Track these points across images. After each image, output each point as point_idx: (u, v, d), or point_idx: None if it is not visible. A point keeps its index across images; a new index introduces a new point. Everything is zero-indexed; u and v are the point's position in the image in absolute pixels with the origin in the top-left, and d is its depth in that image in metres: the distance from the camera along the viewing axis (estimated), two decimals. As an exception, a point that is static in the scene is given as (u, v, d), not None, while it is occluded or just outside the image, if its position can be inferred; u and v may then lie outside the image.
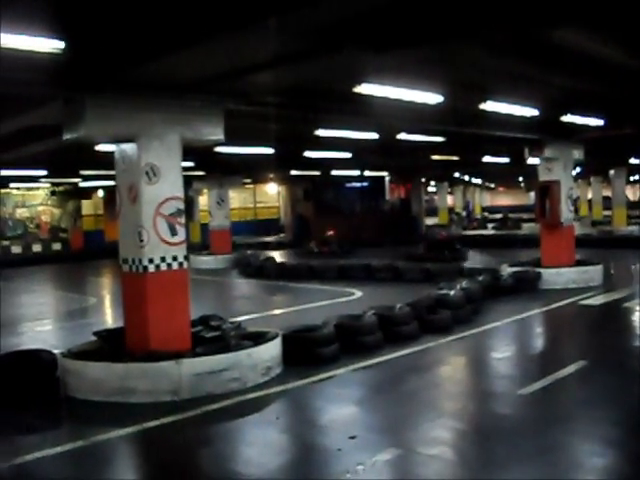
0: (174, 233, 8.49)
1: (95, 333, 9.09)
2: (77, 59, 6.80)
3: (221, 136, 9.01)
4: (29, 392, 7.89)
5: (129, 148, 8.41)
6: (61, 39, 6.02)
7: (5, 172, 20.76)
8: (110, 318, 15.25)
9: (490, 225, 41.45)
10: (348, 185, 37.46)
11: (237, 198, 37.39)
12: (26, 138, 12.16)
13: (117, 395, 7.80)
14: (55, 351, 8.64)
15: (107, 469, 6.31)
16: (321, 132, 14.11)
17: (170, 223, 8.46)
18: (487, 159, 24.99)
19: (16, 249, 32.96)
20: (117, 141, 8.53)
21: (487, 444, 6.33)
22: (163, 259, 8.42)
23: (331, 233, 27.82)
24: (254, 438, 6.78)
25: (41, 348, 8.87)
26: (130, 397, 7.76)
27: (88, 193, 33.41)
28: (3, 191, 31.48)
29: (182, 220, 8.61)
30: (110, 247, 27.52)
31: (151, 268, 8.35)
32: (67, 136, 8.41)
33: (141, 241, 8.30)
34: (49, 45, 6.05)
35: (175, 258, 8.51)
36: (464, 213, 50.24)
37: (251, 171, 26.48)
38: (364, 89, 8.69)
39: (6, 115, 9.68)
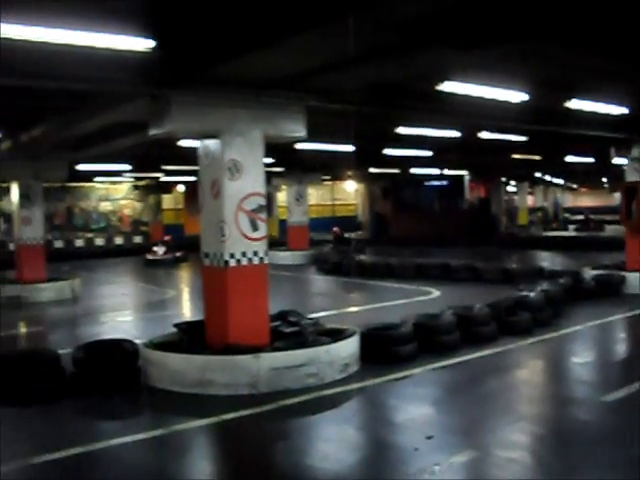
0: (255, 228, 8.60)
1: (176, 325, 9.26)
2: (165, 57, 6.95)
3: (303, 133, 9.08)
4: (112, 380, 8.11)
5: (212, 144, 8.54)
6: (152, 38, 6.15)
7: (92, 166, 21.34)
8: (188, 311, 15.54)
9: (571, 226, 40.53)
10: (427, 184, 37.18)
11: (315, 195, 37.55)
12: (113, 133, 12.46)
13: (196, 387, 7.92)
14: (137, 341, 8.84)
15: (186, 458, 6.43)
16: (402, 130, 14.05)
17: (252, 218, 8.56)
18: (570, 159, 24.46)
19: (99, 241, 33.94)
20: (201, 137, 8.68)
21: (568, 450, 6.18)
22: (244, 254, 8.52)
23: None
24: (330, 434, 6.81)
25: (124, 338, 9.10)
26: (209, 389, 7.88)
27: (169, 187, 34.08)
28: (88, 185, 32.43)
29: (263, 216, 8.70)
30: (189, 241, 28.15)
31: (232, 262, 8.46)
32: (153, 132, 8.58)
33: (223, 236, 8.42)
34: (141, 44, 6.21)
35: (256, 253, 8.62)
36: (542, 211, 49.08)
37: (330, 168, 26.53)
38: (447, 87, 8.62)
39: (95, 111, 9.95)
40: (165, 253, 26.61)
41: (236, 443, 6.85)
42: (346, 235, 30.19)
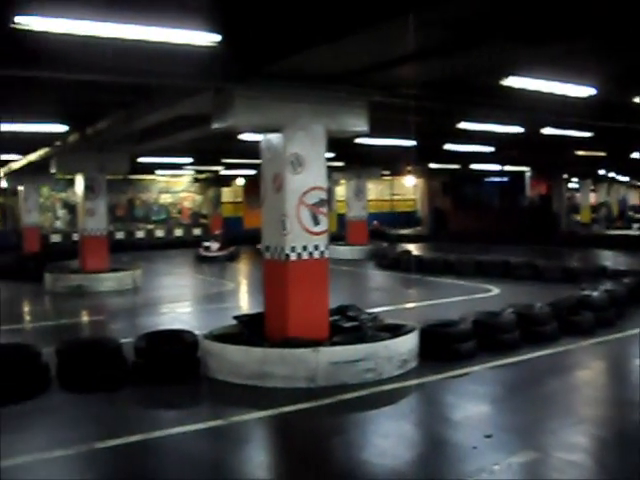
0: (317, 222, 8.62)
1: (236, 317, 9.34)
2: (230, 51, 6.99)
3: (365, 127, 9.06)
4: (172, 370, 8.23)
5: (275, 138, 8.58)
6: (218, 32, 6.21)
7: (153, 159, 21.66)
8: (246, 303, 15.67)
9: (636, 225, 39.57)
10: (487, 180, 36.78)
11: (374, 190, 37.45)
12: (175, 127, 12.62)
13: (255, 379, 7.99)
14: (196, 332, 8.93)
15: (243, 449, 6.49)
16: (464, 125, 13.90)
17: (313, 213, 8.59)
18: (637, 155, 23.89)
19: (159, 233, 34.45)
20: (263, 131, 8.73)
21: (631, 455, 6.02)
22: (305, 248, 8.55)
23: None
24: (388, 430, 6.78)
25: (184, 329, 9.21)
26: (267, 381, 7.93)
27: (228, 181, 34.34)
28: (149, 177, 32.93)
29: (325, 210, 8.72)
30: (248, 234, 28.38)
31: (293, 256, 8.50)
32: (216, 125, 8.66)
33: (284, 229, 8.46)
34: (207, 38, 6.27)
35: (317, 247, 8.64)
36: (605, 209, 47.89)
37: (390, 163, 26.42)
38: (511, 82, 8.50)
39: (159, 105, 10.08)
40: (219, 249, 25.18)
41: (294, 436, 6.88)
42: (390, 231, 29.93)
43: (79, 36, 6.03)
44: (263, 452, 6.65)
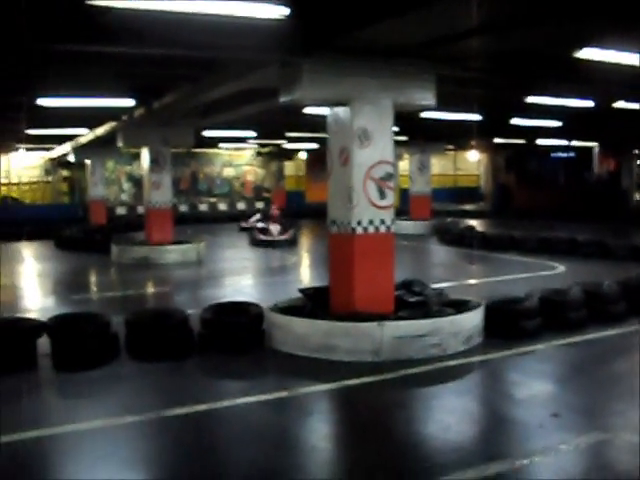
0: (383, 197, 8.58)
1: (301, 290, 9.40)
2: (298, 24, 6.99)
3: (432, 101, 8.96)
4: (237, 341, 8.34)
5: (342, 112, 8.55)
6: (287, 5, 6.20)
7: (218, 133, 21.83)
8: (308, 277, 15.74)
9: None
10: (553, 155, 36.08)
11: (436, 165, 37.12)
12: (240, 100, 12.68)
13: (320, 351, 8.03)
14: (261, 304, 9.01)
15: (308, 420, 6.54)
16: (532, 99, 13.62)
17: (380, 186, 8.55)
18: None
19: (222, 206, 34.77)
20: (330, 104, 8.71)
21: None
22: (371, 222, 8.53)
23: None
24: (452, 405, 6.76)
25: (248, 301, 9.30)
26: (332, 354, 7.96)
27: (290, 155, 34.46)
28: (212, 151, 33.25)
29: (391, 184, 8.67)
30: (310, 208, 28.45)
31: (359, 230, 8.49)
32: (283, 99, 8.68)
33: (350, 203, 8.46)
34: (276, 12, 6.27)
35: (383, 221, 8.61)
36: None
37: (454, 138, 26.12)
38: (585, 54, 8.29)
39: (225, 79, 10.14)
40: (281, 233, 21.58)
41: (358, 409, 6.89)
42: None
43: (150, 11, 6.11)
44: (327, 424, 6.68)
